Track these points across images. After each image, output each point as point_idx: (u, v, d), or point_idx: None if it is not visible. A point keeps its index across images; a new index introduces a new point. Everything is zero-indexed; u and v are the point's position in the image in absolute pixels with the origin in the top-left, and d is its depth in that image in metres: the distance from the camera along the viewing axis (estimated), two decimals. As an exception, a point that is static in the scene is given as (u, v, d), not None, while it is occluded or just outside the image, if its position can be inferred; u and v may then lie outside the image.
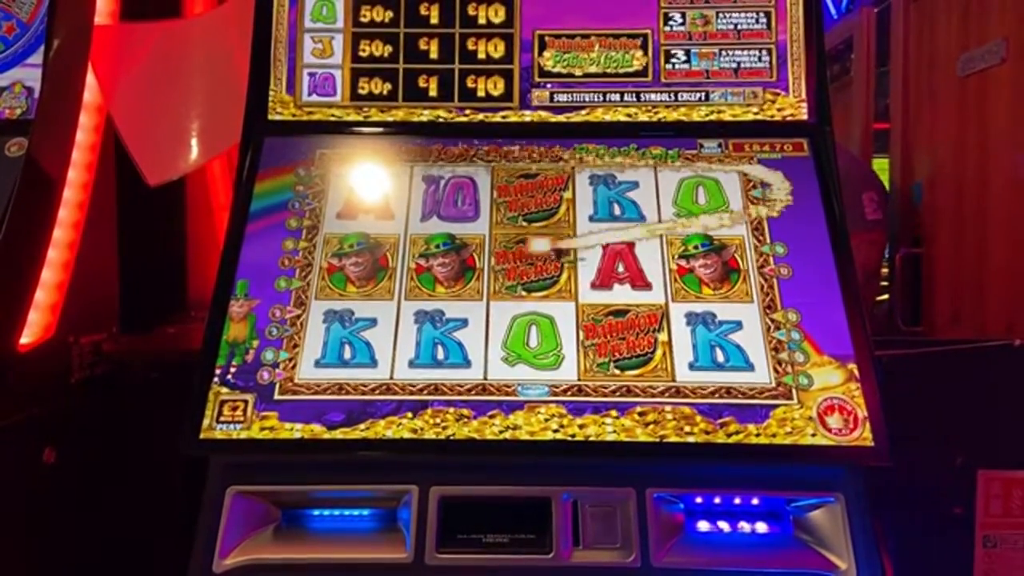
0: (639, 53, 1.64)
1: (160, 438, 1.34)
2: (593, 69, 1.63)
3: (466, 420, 1.29)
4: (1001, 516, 1.90)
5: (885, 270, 3.66)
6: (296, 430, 1.29)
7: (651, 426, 1.27)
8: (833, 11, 4.08)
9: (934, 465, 1.86)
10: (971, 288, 2.83)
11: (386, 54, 1.65)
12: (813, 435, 1.26)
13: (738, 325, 1.38)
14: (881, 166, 3.62)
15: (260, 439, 1.28)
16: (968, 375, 1.88)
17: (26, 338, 1.54)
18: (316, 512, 1.31)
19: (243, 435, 1.28)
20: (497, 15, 1.65)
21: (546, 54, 1.64)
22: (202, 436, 1.28)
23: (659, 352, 1.36)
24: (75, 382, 1.67)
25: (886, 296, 3.43)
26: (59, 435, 1.61)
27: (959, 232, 2.91)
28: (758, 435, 1.26)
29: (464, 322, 1.40)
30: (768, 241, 1.46)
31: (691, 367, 1.34)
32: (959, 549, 1.90)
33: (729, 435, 1.26)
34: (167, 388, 1.44)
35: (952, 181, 2.98)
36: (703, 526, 1.28)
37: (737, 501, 1.28)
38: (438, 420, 1.29)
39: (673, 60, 1.63)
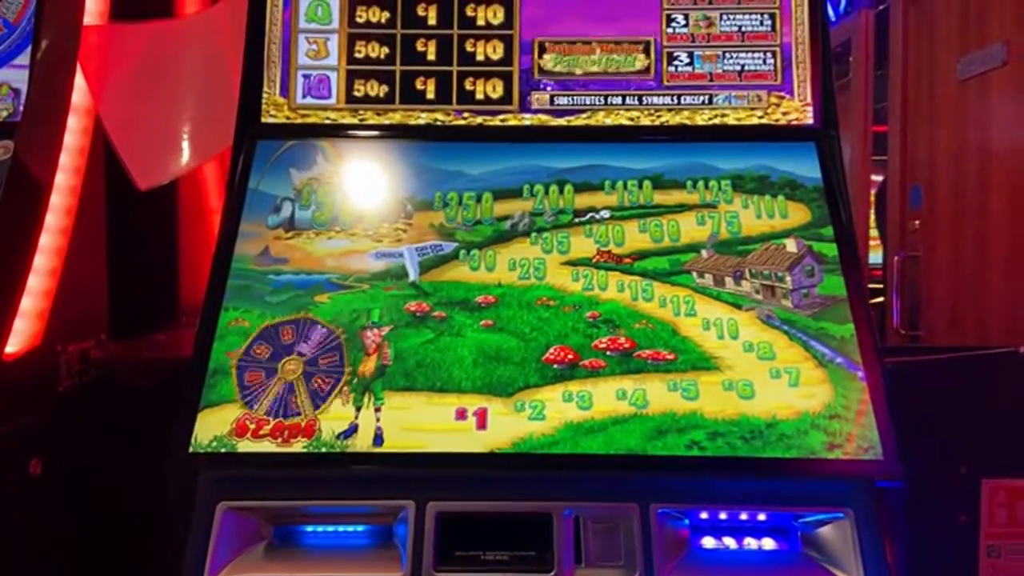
0: (641, 56, 1.61)
1: (150, 448, 1.31)
2: (594, 69, 1.60)
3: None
4: (1006, 525, 1.89)
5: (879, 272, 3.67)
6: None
7: (653, 440, 1.24)
8: (831, 13, 4.06)
9: (938, 474, 1.84)
10: (970, 292, 2.82)
11: (382, 55, 1.61)
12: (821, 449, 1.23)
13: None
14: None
15: (252, 452, 1.24)
16: (971, 382, 1.86)
17: (12, 346, 1.50)
18: (309, 528, 1.29)
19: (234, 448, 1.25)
20: (496, 16, 1.62)
21: (546, 56, 1.61)
22: (192, 449, 1.25)
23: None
24: (62, 391, 1.64)
25: (880, 299, 3.43)
26: (46, 445, 1.58)
27: (958, 236, 2.90)
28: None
29: None
30: (774, 248, 1.44)
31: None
32: (963, 558, 1.89)
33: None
34: (157, 396, 1.41)
35: (951, 185, 2.97)
36: (708, 543, 1.26)
37: (743, 517, 1.25)
38: None
39: (676, 63, 1.60)
